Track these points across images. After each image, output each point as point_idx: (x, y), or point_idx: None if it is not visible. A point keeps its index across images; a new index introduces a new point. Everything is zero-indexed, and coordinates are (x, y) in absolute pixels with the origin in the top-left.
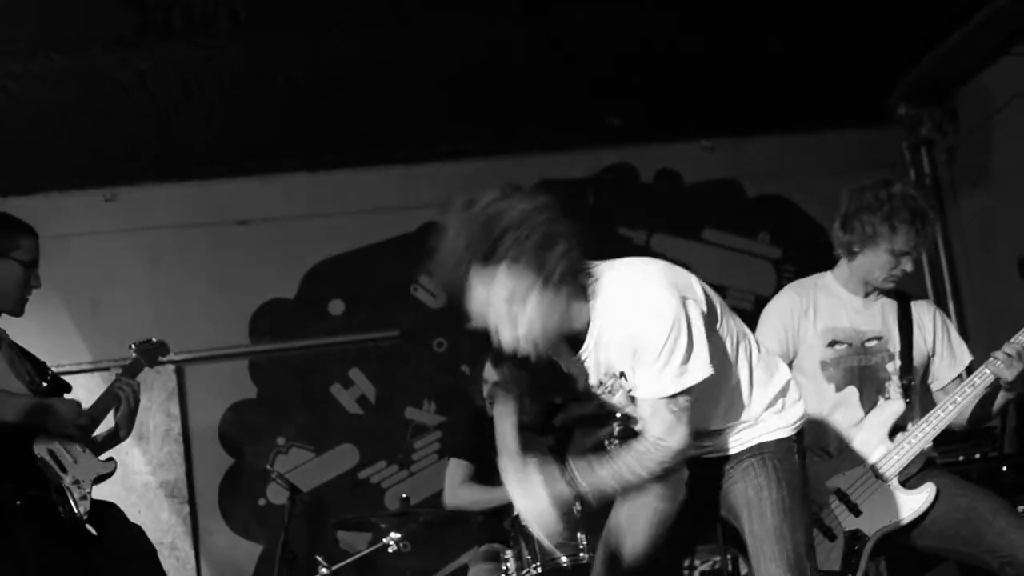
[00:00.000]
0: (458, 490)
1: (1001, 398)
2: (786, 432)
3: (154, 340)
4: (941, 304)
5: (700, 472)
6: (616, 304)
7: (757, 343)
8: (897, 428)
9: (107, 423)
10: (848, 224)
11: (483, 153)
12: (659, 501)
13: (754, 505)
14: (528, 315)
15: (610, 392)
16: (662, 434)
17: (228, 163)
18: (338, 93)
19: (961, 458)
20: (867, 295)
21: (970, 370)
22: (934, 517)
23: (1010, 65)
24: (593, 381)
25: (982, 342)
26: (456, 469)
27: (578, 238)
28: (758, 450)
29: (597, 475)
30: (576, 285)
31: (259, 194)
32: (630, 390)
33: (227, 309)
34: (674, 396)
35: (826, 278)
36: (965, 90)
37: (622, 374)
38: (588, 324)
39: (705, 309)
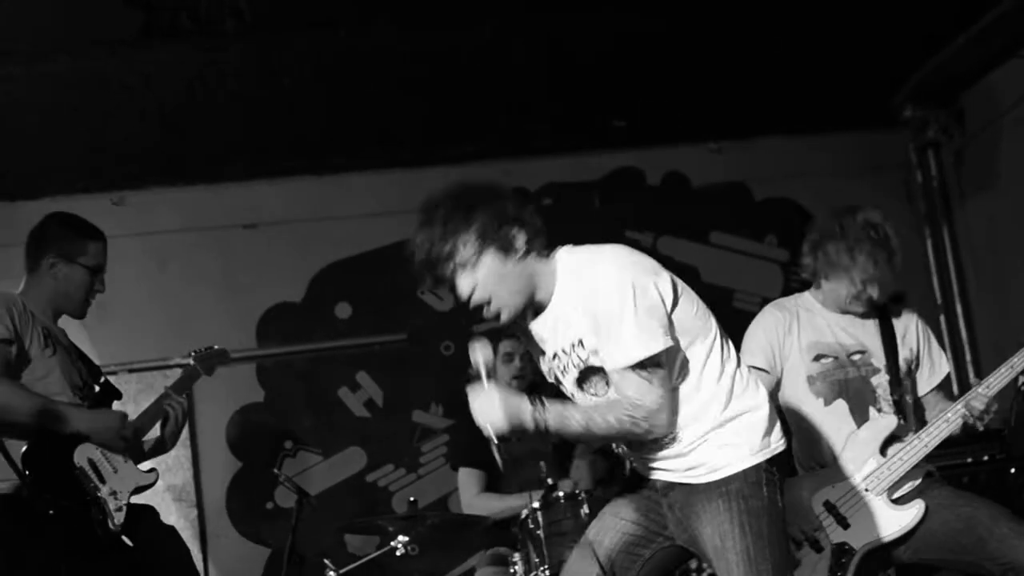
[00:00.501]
0: (474, 500)
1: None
2: (752, 460)
3: (215, 348)
4: (948, 307)
5: (664, 499)
6: (577, 270)
7: (738, 359)
8: (889, 442)
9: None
10: (812, 252)
11: (490, 156)
12: (629, 525)
13: (719, 555)
14: (502, 288)
15: (563, 370)
16: (637, 395)
17: (235, 166)
18: (344, 95)
19: (969, 460)
20: (845, 313)
21: (951, 381)
22: (934, 529)
23: (1017, 67)
24: (550, 352)
25: (989, 345)
26: (469, 479)
27: (533, 218)
28: (724, 485)
29: (566, 411)
30: (539, 256)
31: (266, 198)
32: (586, 361)
33: (235, 313)
34: (641, 363)
35: (804, 298)
36: (972, 92)
37: (580, 342)
38: (551, 295)
39: (671, 292)
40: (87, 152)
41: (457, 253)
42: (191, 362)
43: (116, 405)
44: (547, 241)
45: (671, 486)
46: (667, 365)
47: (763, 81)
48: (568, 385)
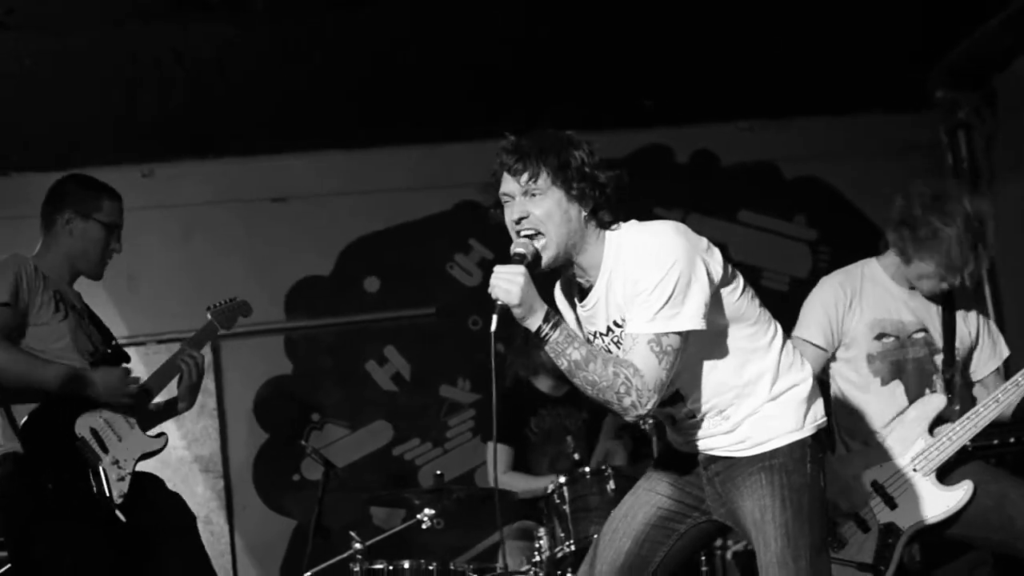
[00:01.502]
0: (503, 477)
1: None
2: (798, 435)
3: (236, 299)
4: (977, 291)
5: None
6: (624, 244)
7: (784, 336)
8: (938, 422)
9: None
10: (907, 227)
11: (518, 132)
12: (665, 499)
13: (759, 529)
14: (555, 229)
15: (617, 342)
16: (640, 366)
17: (264, 140)
18: (374, 69)
19: (995, 442)
20: (912, 288)
21: (1008, 365)
22: (965, 506)
23: None
24: (602, 328)
25: (1019, 330)
26: (501, 455)
27: (611, 190)
28: (768, 459)
29: (576, 339)
30: (597, 224)
31: (295, 171)
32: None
33: (263, 286)
34: (659, 336)
35: (872, 266)
36: (1004, 75)
37: (623, 319)
38: (597, 270)
39: (719, 271)
40: (117, 124)
41: (537, 176)
42: (208, 316)
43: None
44: (611, 218)
45: (713, 459)
46: (683, 351)
47: (794, 61)
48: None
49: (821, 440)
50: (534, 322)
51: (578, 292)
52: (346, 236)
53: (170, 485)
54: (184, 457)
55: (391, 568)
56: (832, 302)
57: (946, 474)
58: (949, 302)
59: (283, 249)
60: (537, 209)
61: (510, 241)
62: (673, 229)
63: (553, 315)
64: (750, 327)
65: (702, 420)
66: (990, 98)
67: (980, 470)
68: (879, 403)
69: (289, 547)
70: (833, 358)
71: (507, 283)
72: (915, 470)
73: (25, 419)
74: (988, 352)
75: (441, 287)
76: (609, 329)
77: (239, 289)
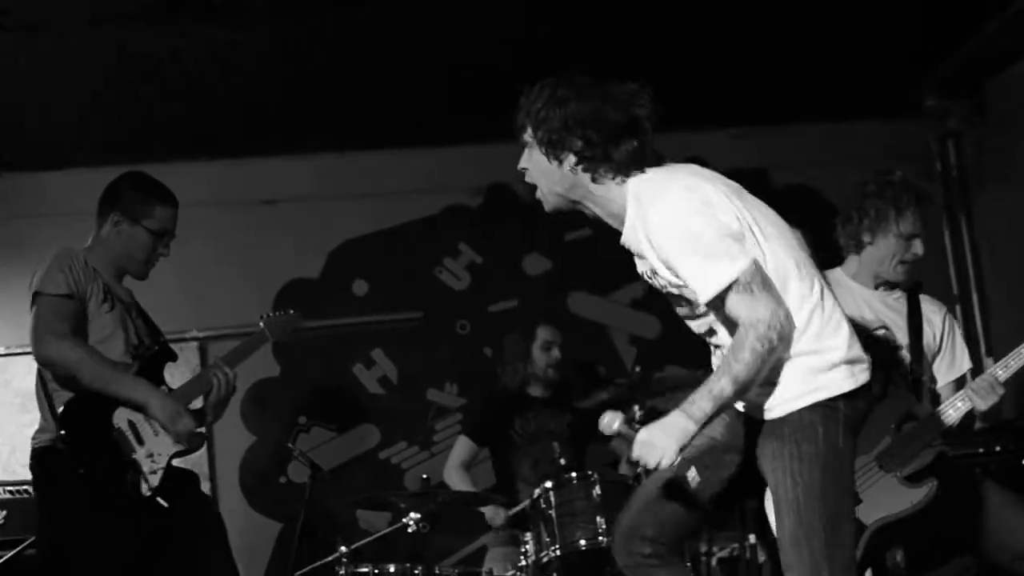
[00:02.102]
0: (453, 470)
1: (978, 423)
2: (814, 397)
3: (290, 312)
4: (965, 298)
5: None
6: (641, 199)
7: (825, 297)
8: (904, 420)
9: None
10: (855, 213)
11: (508, 137)
12: (718, 435)
13: (774, 503)
14: (543, 182)
15: (662, 285)
16: (747, 313)
17: (256, 142)
18: (368, 71)
19: (981, 450)
20: (876, 287)
21: (973, 375)
22: (945, 511)
23: None
24: (648, 269)
25: (1007, 337)
26: (460, 447)
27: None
28: (780, 426)
29: (710, 387)
30: (599, 176)
31: (286, 174)
32: (664, 287)
33: (252, 287)
34: (732, 285)
35: (834, 274)
36: (994, 83)
37: (655, 271)
38: (623, 220)
39: (743, 219)
40: (111, 124)
41: (523, 130)
42: (260, 324)
43: (169, 367)
44: (628, 166)
45: (741, 415)
46: (756, 267)
47: (786, 67)
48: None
49: (838, 408)
50: (692, 428)
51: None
52: (335, 239)
53: None
54: None
55: (376, 571)
56: None
57: (915, 473)
58: (915, 302)
59: (272, 251)
60: (527, 163)
61: (499, 247)
62: (688, 181)
63: (687, 410)
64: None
65: None
66: (980, 106)
67: (961, 477)
68: None
69: (275, 550)
70: None
71: (665, 451)
72: (880, 467)
73: (63, 406)
74: (947, 362)
75: (429, 291)
76: (654, 272)
77: (228, 290)
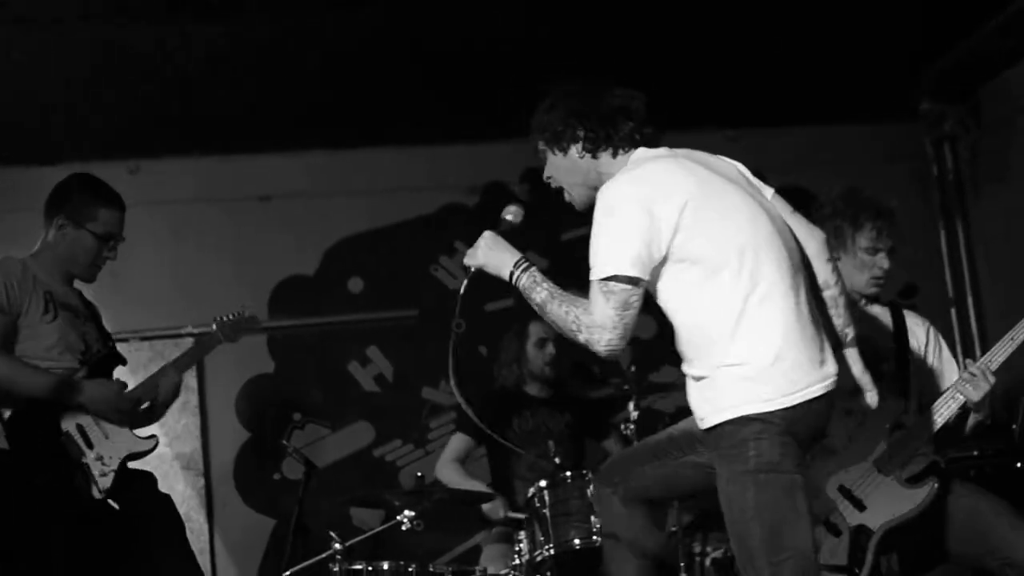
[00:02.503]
0: (446, 465)
1: (972, 419)
2: (735, 412)
3: (244, 313)
4: (961, 302)
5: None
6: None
7: (782, 302)
8: (897, 425)
9: None
10: (831, 233)
11: (505, 136)
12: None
13: None
14: (566, 179)
15: None
16: (592, 305)
17: (251, 138)
18: (364, 71)
19: (976, 453)
20: (856, 303)
21: None
22: (938, 518)
23: None
24: None
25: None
26: (455, 443)
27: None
28: (715, 441)
29: (540, 284)
30: (605, 154)
31: (282, 170)
32: None
33: (247, 284)
34: (605, 279)
35: None
36: (989, 87)
37: None
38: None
39: (675, 218)
40: (105, 119)
41: (537, 144)
42: (213, 327)
43: (118, 371)
44: (628, 140)
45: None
46: (636, 290)
47: (781, 69)
48: None
49: (772, 422)
50: (504, 274)
51: None
52: (331, 236)
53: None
54: (165, 454)
55: (370, 569)
56: None
57: (912, 476)
58: (897, 313)
59: (268, 248)
60: (549, 170)
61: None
62: (627, 178)
63: (521, 263)
64: (710, 281)
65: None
66: (975, 110)
67: (954, 484)
68: None
69: (268, 546)
70: None
71: (474, 249)
72: (879, 471)
73: (10, 414)
74: (936, 376)
75: (425, 289)
76: None
77: (223, 287)
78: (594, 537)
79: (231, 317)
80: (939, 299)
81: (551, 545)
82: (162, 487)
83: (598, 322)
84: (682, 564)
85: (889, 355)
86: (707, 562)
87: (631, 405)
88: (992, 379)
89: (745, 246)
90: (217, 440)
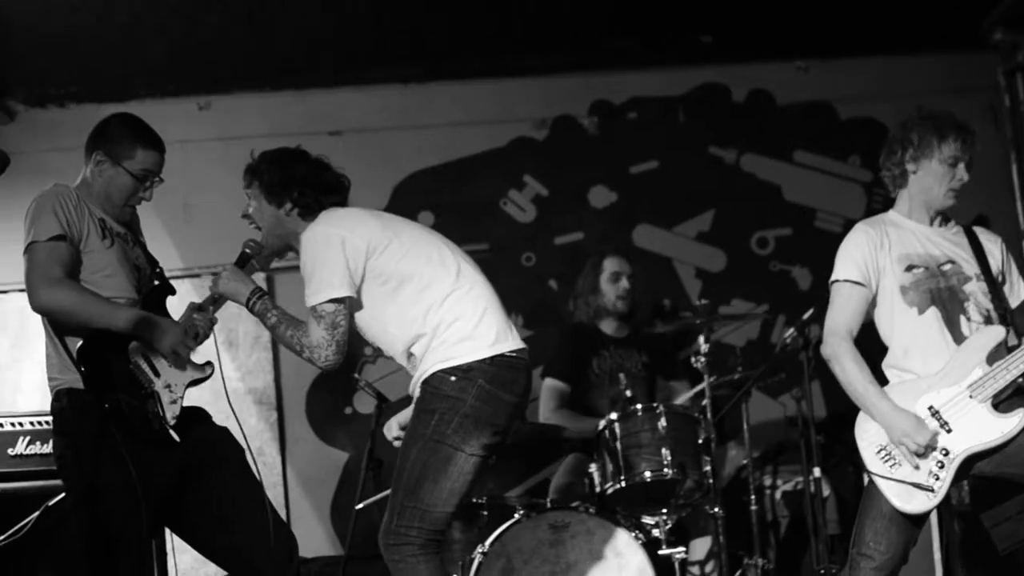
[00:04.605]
0: (552, 414)
1: None
2: (432, 369)
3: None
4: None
5: None
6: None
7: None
8: (996, 352)
9: None
10: (898, 145)
11: (573, 69)
12: None
13: None
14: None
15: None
16: (309, 330)
17: (321, 73)
18: (433, 5)
19: None
20: (932, 223)
21: None
22: (1020, 443)
23: None
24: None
25: None
26: (550, 391)
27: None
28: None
29: (272, 311)
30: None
31: (352, 105)
32: None
33: None
34: (313, 308)
35: (890, 215)
36: None
37: None
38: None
39: (364, 246)
40: (175, 56)
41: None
42: (247, 250)
43: (170, 301)
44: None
45: None
46: (343, 311)
47: (851, 0)
48: None
49: (465, 374)
50: (241, 301)
51: None
52: (401, 171)
53: (223, 416)
54: (238, 389)
55: None
56: (864, 242)
57: (1003, 404)
58: (973, 237)
59: None
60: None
61: (564, 180)
62: (329, 216)
63: (255, 294)
64: (409, 288)
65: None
66: None
67: None
68: (919, 333)
69: (341, 479)
70: (873, 303)
71: (216, 278)
72: (971, 397)
73: (79, 345)
74: (1009, 291)
75: (494, 223)
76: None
77: None
78: (665, 470)
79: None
80: (1011, 232)
81: (622, 477)
82: (234, 422)
83: (315, 342)
84: (753, 497)
85: (973, 276)
86: (778, 495)
87: (701, 339)
88: None
89: (424, 268)
90: (289, 375)
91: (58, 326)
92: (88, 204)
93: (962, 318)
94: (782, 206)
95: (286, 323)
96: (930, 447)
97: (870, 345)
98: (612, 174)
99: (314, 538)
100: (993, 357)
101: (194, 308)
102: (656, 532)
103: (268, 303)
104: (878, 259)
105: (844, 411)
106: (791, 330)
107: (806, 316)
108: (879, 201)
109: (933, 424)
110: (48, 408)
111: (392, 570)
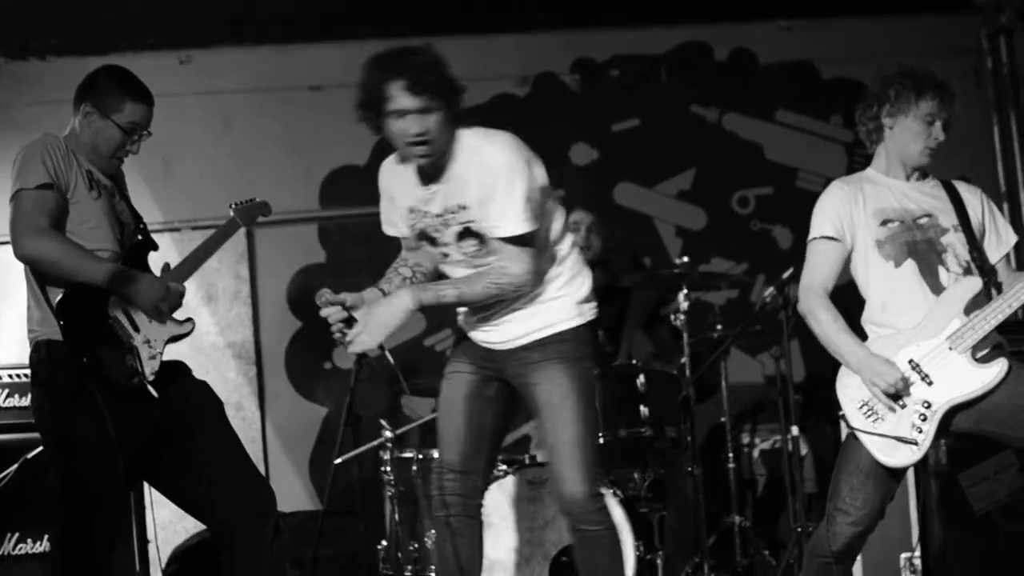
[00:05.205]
0: None
1: None
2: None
3: (256, 200)
4: (1013, 196)
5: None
6: (476, 148)
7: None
8: (973, 303)
9: None
10: (875, 100)
11: (556, 26)
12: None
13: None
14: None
15: (445, 225)
16: (509, 262)
17: (302, 27)
18: None
19: None
20: (908, 178)
21: (1020, 249)
22: (998, 403)
23: None
24: (435, 210)
25: None
26: None
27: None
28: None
29: (440, 289)
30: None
31: (333, 60)
32: (466, 223)
33: (298, 174)
34: (517, 238)
35: (867, 172)
36: None
37: (463, 207)
38: (449, 163)
39: (546, 179)
40: (156, 9)
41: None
42: (231, 213)
43: (152, 256)
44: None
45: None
46: (539, 240)
47: None
48: (447, 238)
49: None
50: (406, 314)
51: (422, 175)
52: None
53: (203, 371)
54: (217, 343)
55: (420, 456)
56: (839, 197)
57: (983, 355)
58: (951, 189)
59: (319, 138)
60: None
61: (545, 137)
62: (514, 141)
63: (412, 298)
64: (558, 224)
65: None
66: None
67: (1015, 368)
68: (897, 286)
69: (320, 434)
70: (849, 259)
71: (357, 335)
72: (950, 348)
73: (60, 298)
74: (994, 241)
75: None
76: (442, 214)
77: (274, 177)
78: (642, 428)
79: (245, 202)
80: (991, 193)
81: (599, 434)
82: (214, 376)
83: (520, 273)
84: (731, 455)
85: (950, 228)
86: (755, 453)
87: (681, 296)
88: None
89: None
90: (268, 329)
91: (41, 277)
92: (76, 155)
93: (941, 270)
94: (763, 165)
95: (464, 284)
96: (907, 394)
97: (849, 304)
98: (594, 132)
99: (293, 493)
100: (971, 308)
101: (164, 276)
102: (633, 490)
103: (428, 288)
104: (852, 214)
105: (823, 371)
106: (771, 289)
107: (786, 275)
108: (860, 161)
109: (914, 377)
110: (27, 361)
111: (596, 538)
